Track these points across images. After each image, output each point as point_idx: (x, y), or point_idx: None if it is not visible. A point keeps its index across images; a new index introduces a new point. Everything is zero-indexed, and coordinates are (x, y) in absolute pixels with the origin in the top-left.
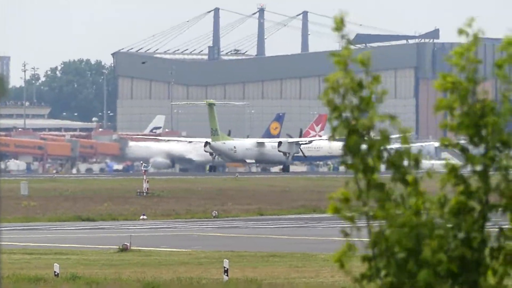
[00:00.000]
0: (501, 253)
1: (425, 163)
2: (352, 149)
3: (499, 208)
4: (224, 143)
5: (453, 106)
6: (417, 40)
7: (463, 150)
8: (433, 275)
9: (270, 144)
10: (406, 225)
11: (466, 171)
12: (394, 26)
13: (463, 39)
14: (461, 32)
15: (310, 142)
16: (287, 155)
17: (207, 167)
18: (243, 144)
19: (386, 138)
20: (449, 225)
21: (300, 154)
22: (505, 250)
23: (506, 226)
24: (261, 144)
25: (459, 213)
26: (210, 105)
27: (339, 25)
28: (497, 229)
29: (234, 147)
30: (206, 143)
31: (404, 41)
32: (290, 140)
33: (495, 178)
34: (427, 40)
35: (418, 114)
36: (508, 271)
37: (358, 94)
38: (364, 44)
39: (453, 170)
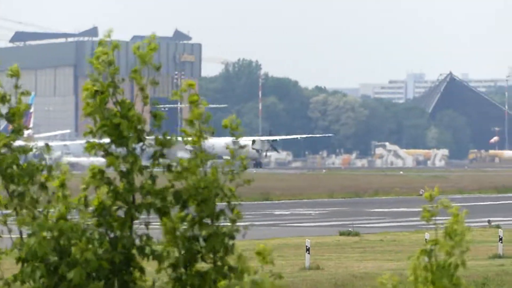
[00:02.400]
0: (146, 250)
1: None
2: None
3: (145, 207)
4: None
5: (97, 111)
6: (76, 38)
7: (107, 152)
8: (84, 274)
9: (244, 142)
10: (52, 230)
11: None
12: (53, 24)
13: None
14: (101, 43)
15: None
16: (260, 152)
17: None
18: (219, 143)
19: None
20: (96, 227)
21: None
22: (149, 247)
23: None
24: (236, 142)
25: (104, 214)
26: None
27: None
28: (144, 228)
29: (213, 145)
30: None
31: (63, 39)
32: (262, 138)
33: (139, 178)
34: (86, 38)
35: (77, 111)
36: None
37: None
38: (23, 42)
39: (97, 173)
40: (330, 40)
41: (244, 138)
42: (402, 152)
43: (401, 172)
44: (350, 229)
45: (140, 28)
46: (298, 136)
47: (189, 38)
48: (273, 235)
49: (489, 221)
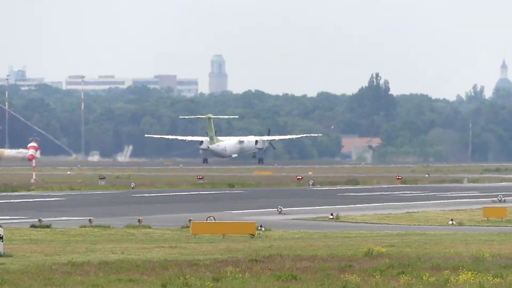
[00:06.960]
0: None
1: None
2: None
3: None
4: (218, 145)
5: None
6: None
7: None
8: None
9: (247, 140)
10: None
11: None
12: None
13: None
14: None
15: None
16: (262, 149)
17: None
18: (229, 144)
19: None
20: None
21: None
22: None
23: None
24: (241, 142)
25: None
26: (209, 118)
27: None
28: None
29: (225, 147)
30: (201, 142)
31: None
32: (264, 138)
33: None
34: None
35: None
36: None
37: None
38: None
39: None
40: None
41: (248, 138)
42: None
43: None
44: None
45: None
46: (294, 136)
47: None
48: None
49: None
